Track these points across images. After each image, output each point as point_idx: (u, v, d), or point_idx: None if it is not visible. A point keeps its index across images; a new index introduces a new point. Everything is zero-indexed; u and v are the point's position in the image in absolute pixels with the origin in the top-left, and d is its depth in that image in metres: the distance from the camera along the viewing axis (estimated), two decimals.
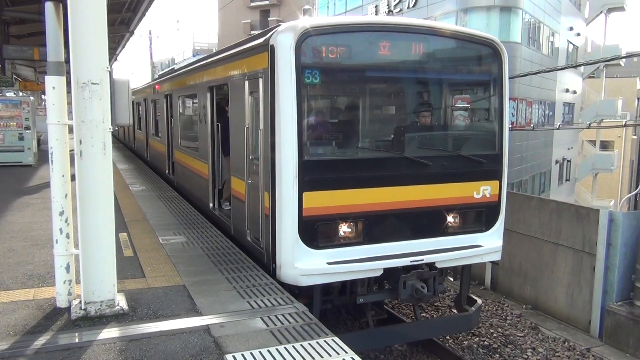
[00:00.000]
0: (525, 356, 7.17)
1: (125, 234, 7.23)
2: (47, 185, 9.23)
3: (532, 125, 22.78)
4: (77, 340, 4.00)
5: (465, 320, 6.74)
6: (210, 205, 8.31)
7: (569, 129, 29.45)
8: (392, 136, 6.28)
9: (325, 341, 4.03)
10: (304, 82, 5.25)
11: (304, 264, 5.33)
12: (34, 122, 15.81)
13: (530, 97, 24.07)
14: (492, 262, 7.03)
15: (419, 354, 7.10)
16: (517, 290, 9.47)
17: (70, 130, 4.37)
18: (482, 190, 6.24)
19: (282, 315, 4.51)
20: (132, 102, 10.06)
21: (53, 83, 4.45)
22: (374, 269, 5.59)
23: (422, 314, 8.01)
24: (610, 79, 37.49)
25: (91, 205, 4.27)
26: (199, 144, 8.83)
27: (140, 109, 17.38)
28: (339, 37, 5.53)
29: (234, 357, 3.75)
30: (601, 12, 32.46)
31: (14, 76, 21.90)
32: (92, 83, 4.14)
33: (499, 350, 7.29)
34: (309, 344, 3.98)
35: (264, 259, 5.83)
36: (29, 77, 25.23)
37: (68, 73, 4.34)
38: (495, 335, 7.75)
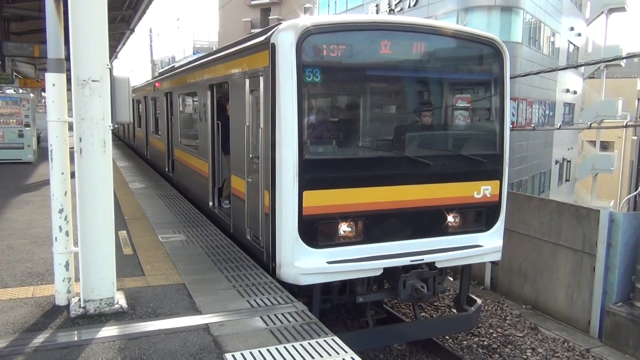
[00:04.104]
0: (525, 356, 7.16)
1: (125, 232, 7.22)
2: (46, 182, 9.22)
3: (532, 125, 22.76)
4: (76, 339, 3.99)
5: (465, 320, 6.73)
6: (210, 203, 8.30)
7: (569, 129, 29.44)
8: (393, 135, 6.27)
9: (324, 340, 4.02)
10: (305, 81, 5.24)
11: (303, 263, 5.32)
12: (34, 120, 15.78)
13: (531, 97, 24.05)
14: (492, 262, 7.01)
15: (419, 353, 7.09)
16: (517, 291, 9.46)
17: (70, 127, 4.36)
18: (483, 190, 6.23)
19: (282, 314, 4.50)
20: (132, 99, 10.03)
21: (53, 80, 4.44)
22: (374, 268, 5.58)
23: (421, 314, 8.00)
24: (610, 80, 37.46)
25: (91, 203, 4.26)
26: (199, 142, 8.81)
27: (140, 106, 17.37)
28: (340, 36, 5.51)
29: (233, 356, 3.74)
30: (602, 12, 32.41)
31: (14, 73, 21.88)
32: (93, 80, 4.13)
33: (498, 350, 7.28)
34: (309, 343, 3.97)
35: (264, 257, 5.82)
36: (29, 74, 25.23)
37: (68, 70, 4.33)
38: (494, 335, 7.74)
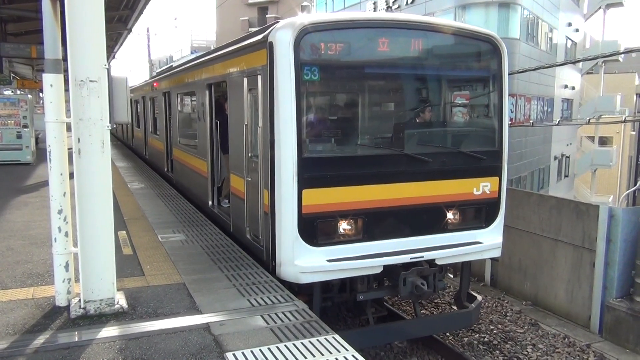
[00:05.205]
0: (526, 352, 7.17)
1: (124, 232, 7.21)
2: (45, 183, 9.20)
3: (531, 121, 22.76)
4: (76, 339, 3.99)
5: (465, 316, 6.74)
6: (210, 203, 8.29)
7: (568, 125, 29.46)
8: (392, 133, 6.26)
9: (325, 339, 4.02)
10: (303, 79, 5.23)
11: (303, 261, 5.32)
12: (32, 120, 15.78)
13: (529, 93, 24.06)
14: (492, 259, 7.02)
15: (419, 350, 7.10)
16: (517, 287, 9.47)
17: (69, 128, 4.35)
18: (482, 187, 6.23)
19: (282, 313, 4.50)
20: (130, 99, 10.01)
21: (51, 81, 4.43)
22: (374, 266, 5.58)
23: (422, 311, 8.01)
24: (608, 75, 37.48)
25: (90, 203, 4.25)
26: (198, 141, 8.80)
27: (138, 106, 17.35)
28: (337, 34, 5.50)
29: (234, 355, 3.74)
30: (600, 7, 32.44)
31: (12, 74, 21.83)
32: (90, 81, 4.12)
33: (499, 346, 7.29)
34: (309, 341, 3.97)
35: (264, 256, 5.82)
36: (27, 75, 25.15)
37: (66, 71, 4.31)
38: (495, 331, 7.75)
